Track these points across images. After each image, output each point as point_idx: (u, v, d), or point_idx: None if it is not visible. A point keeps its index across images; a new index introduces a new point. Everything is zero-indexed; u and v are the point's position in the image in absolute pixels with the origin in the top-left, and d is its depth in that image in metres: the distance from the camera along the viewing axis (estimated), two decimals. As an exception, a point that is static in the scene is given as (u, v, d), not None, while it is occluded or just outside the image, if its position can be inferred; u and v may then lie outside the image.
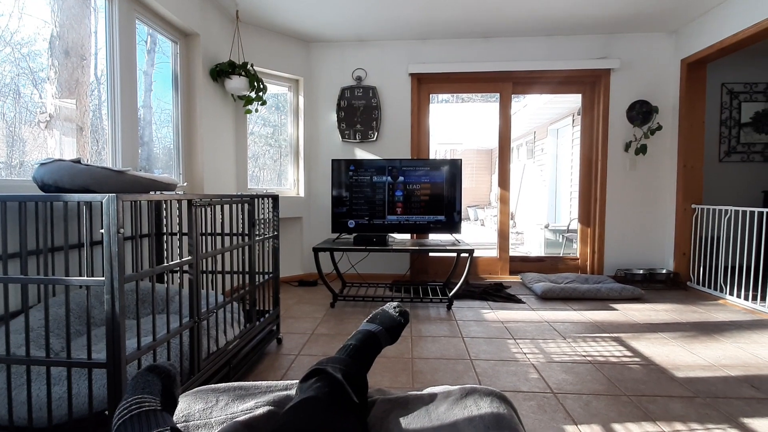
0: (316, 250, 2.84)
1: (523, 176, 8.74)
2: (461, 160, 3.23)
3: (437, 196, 3.10)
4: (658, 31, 3.54)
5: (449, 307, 2.86)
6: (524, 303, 2.99)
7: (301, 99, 3.71)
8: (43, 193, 1.22)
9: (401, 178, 3.14)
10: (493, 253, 3.92)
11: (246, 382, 0.78)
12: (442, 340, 2.26)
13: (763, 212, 2.80)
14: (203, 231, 1.50)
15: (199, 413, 0.67)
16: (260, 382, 0.79)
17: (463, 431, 0.65)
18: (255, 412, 0.64)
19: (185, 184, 2.73)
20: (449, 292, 2.90)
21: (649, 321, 2.58)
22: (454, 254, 3.17)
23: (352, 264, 3.57)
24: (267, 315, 2.01)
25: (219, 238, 1.93)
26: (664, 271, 3.43)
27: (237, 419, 0.62)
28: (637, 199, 3.63)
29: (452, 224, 3.09)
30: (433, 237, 3.78)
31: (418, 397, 0.75)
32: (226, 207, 1.68)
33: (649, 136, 3.53)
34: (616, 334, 2.34)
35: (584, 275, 3.51)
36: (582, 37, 3.59)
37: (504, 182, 3.85)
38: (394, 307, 0.99)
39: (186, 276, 1.34)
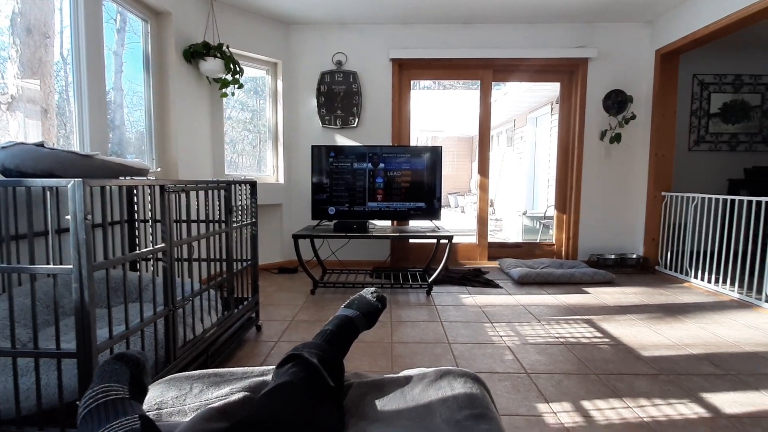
0: (296, 237, 2.82)
1: (503, 164, 8.85)
2: (441, 147, 3.24)
3: (418, 183, 3.11)
4: (635, 21, 3.59)
5: (429, 293, 2.90)
6: (502, 288, 3.07)
7: (280, 83, 3.62)
8: (4, 178, 1.16)
9: (382, 165, 3.13)
10: (473, 239, 3.98)
11: (221, 369, 0.77)
12: (421, 325, 2.29)
13: (727, 199, 2.93)
14: (177, 218, 1.47)
15: (172, 401, 0.67)
16: (236, 368, 0.79)
17: (437, 411, 0.67)
18: (230, 398, 0.64)
19: (159, 169, 2.65)
20: (429, 278, 2.94)
21: (618, 303, 2.69)
22: (434, 240, 3.20)
23: (332, 251, 3.56)
24: (246, 302, 2.00)
25: (194, 225, 1.88)
26: (634, 256, 3.57)
27: (211, 405, 0.62)
28: (612, 186, 3.73)
29: (432, 211, 3.12)
30: (414, 224, 3.80)
31: (394, 380, 0.77)
32: (202, 193, 1.64)
33: (623, 125, 3.62)
34: (587, 317, 2.43)
35: (559, 260, 3.61)
36: (562, 26, 3.62)
37: (483, 170, 3.89)
38: (372, 292, 1.00)
39: (160, 264, 1.31)
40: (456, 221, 8.03)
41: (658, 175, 3.56)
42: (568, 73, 3.80)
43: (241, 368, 0.79)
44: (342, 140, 3.70)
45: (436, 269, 2.93)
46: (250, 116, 3.73)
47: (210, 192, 1.65)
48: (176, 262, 1.38)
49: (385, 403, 0.69)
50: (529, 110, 7.33)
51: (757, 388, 1.63)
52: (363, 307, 0.95)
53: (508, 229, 6.49)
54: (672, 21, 3.35)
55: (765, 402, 1.53)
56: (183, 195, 1.45)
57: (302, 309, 2.56)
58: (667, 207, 3.49)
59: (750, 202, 2.75)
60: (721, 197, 2.95)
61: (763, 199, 2.64)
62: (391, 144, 3.69)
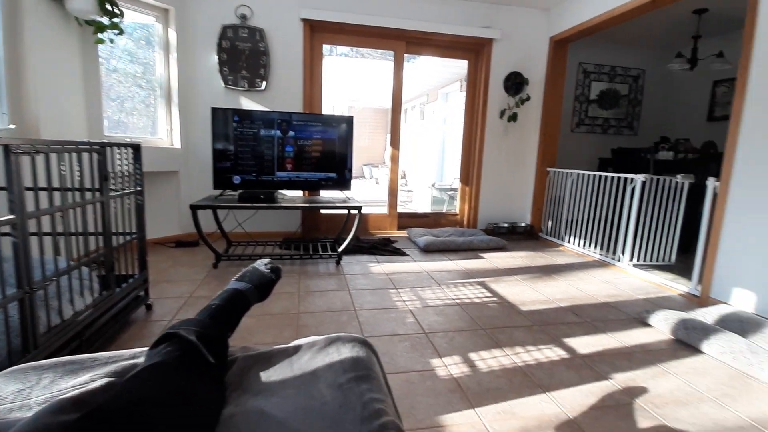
0: (194, 208, 2.60)
1: (416, 137, 9.12)
2: (353, 117, 3.21)
3: (329, 153, 3.06)
4: (534, 8, 3.86)
5: (338, 263, 2.93)
6: (408, 256, 3.23)
7: (173, 34, 3.19)
8: None
9: (292, 133, 3.00)
10: (385, 210, 4.09)
11: (81, 355, 0.69)
12: (329, 294, 2.32)
13: (596, 175, 3.41)
14: (35, 185, 1.24)
15: (13, 395, 0.57)
16: (101, 353, 0.71)
17: (323, 377, 0.68)
18: (89, 386, 0.58)
19: (12, 126, 2.19)
20: (339, 248, 2.96)
21: (507, 266, 3.02)
22: (345, 211, 3.21)
23: (239, 222, 3.37)
24: (131, 280, 1.80)
25: (66, 194, 1.61)
26: (523, 224, 4.01)
27: (64, 396, 0.55)
28: (508, 161, 4.09)
29: (343, 181, 3.10)
30: (325, 194, 3.76)
31: (283, 350, 0.76)
32: (67, 157, 1.39)
33: (520, 105, 3.95)
34: (481, 279, 2.69)
35: (462, 229, 3.90)
36: (470, 4, 3.74)
37: (395, 142, 3.96)
38: (265, 264, 0.97)
39: (9, 239, 1.10)
40: (371, 192, 8.15)
41: (545, 153, 3.99)
42: (475, 51, 3.98)
43: (108, 352, 0.72)
44: (248, 104, 3.44)
45: (347, 239, 2.96)
46: (141, 70, 3.24)
47: (79, 156, 1.42)
48: (41, 237, 1.18)
49: (270, 374, 0.69)
50: (440, 85, 7.58)
51: (605, 331, 1.98)
52: (255, 279, 0.92)
53: (418, 200, 6.79)
54: (564, 11, 3.67)
55: (610, 342, 1.87)
56: (40, 157, 1.22)
57: (202, 284, 2.41)
58: (550, 181, 3.95)
59: (614, 178, 3.23)
60: (593, 173, 3.43)
61: (623, 175, 3.12)
62: (302, 111, 3.54)
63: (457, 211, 4.29)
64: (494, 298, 2.36)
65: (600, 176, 3.36)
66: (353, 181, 3.18)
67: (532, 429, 1.27)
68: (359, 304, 2.20)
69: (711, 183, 2.45)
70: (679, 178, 2.96)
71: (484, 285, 2.59)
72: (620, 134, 5.23)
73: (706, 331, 1.84)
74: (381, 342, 1.77)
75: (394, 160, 3.96)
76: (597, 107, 5.16)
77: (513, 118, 3.93)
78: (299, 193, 3.54)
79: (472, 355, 1.70)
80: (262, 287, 0.92)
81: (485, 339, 1.85)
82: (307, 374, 0.68)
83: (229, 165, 2.90)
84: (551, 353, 1.74)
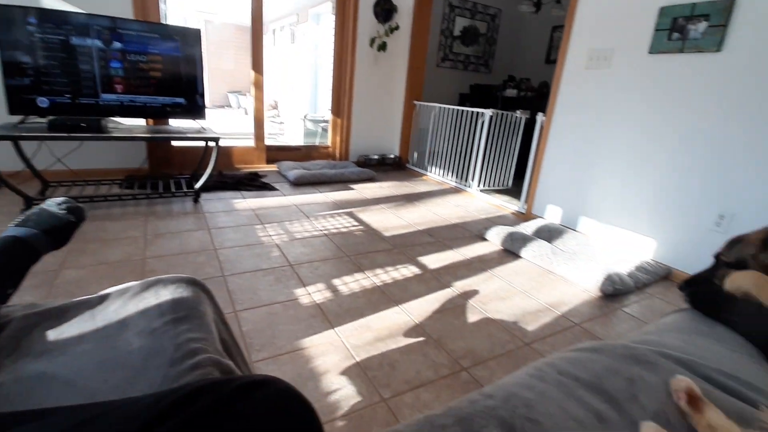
0: (-21, 139, 1.98)
1: (286, 63, 8.40)
2: (200, 30, 2.73)
3: (174, 74, 2.59)
4: (401, -76, 3.66)
5: (196, 200, 2.66)
6: (278, 190, 3.10)
7: None
8: None
9: (119, 45, 2.42)
10: (252, 142, 3.77)
11: None
12: (184, 235, 2.11)
13: (455, 109, 3.67)
14: None
15: None
16: None
17: (133, 325, 0.61)
18: None
19: None
20: (196, 185, 2.66)
21: (375, 196, 3.15)
22: (203, 143, 2.85)
23: (57, 158, 2.72)
24: None
25: None
26: (392, 156, 4.18)
27: None
28: (378, 93, 4.09)
29: (195, 109, 2.70)
30: (177, 124, 3.26)
31: (83, 302, 0.65)
32: None
33: (389, 34, 3.88)
34: (349, 209, 2.77)
35: (334, 162, 3.88)
36: None
37: (258, 65, 3.56)
38: (59, 204, 0.78)
39: None
40: (237, 123, 7.40)
41: (413, 86, 4.10)
42: (341, -34, 3.66)
43: None
44: (55, 3, 2.62)
45: (204, 175, 2.66)
46: None
47: None
48: None
49: (63, 331, 0.58)
50: (311, 4, 6.94)
51: (452, 247, 2.27)
52: (44, 223, 0.74)
53: (291, 133, 6.45)
54: (429, -67, 3.57)
55: (455, 257, 2.15)
56: None
57: (8, 235, 1.93)
58: (417, 114, 4.12)
59: (469, 112, 3.52)
60: (452, 107, 3.68)
61: (475, 109, 3.42)
62: (132, 18, 2.86)
63: (330, 143, 4.21)
64: (360, 227, 2.46)
65: (458, 110, 3.62)
66: (217, 111, 2.83)
67: (383, 337, 1.42)
68: (219, 242, 2.06)
69: (539, 118, 2.86)
70: (518, 113, 3.38)
71: (351, 215, 2.67)
72: (478, 71, 5.64)
73: (525, 240, 2.25)
74: (242, 279, 1.71)
75: (258, 86, 3.59)
76: (460, 43, 5.40)
77: (382, 47, 3.87)
78: (142, 122, 2.99)
79: (336, 281, 1.78)
80: (55, 232, 0.75)
81: (349, 265, 1.94)
82: (113, 324, 0.60)
83: (28, 83, 2.24)
84: (406, 271, 1.93)
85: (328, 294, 1.67)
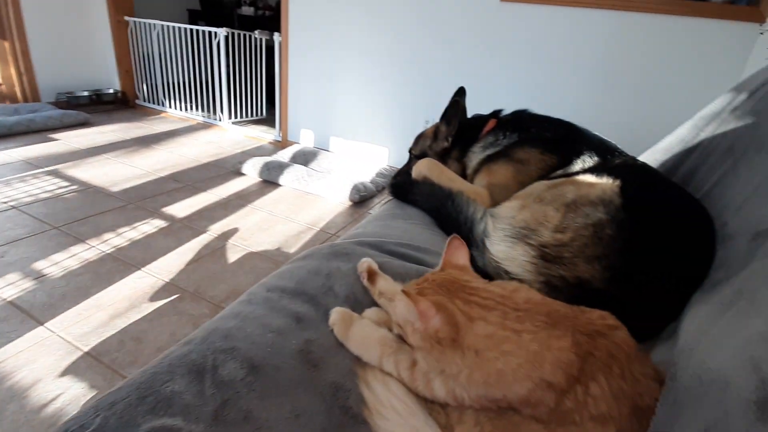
0: None
1: None
2: None
3: None
4: None
5: None
6: None
7: None
8: None
9: None
10: None
11: None
12: None
13: (182, 28, 3.08)
14: None
15: None
16: None
17: None
18: None
19: None
20: None
21: (93, 145, 2.47)
22: None
23: None
24: None
25: None
26: (111, 91, 3.30)
27: None
28: (59, 7, 2.98)
29: None
30: None
31: None
32: None
33: None
34: (53, 167, 2.07)
35: (14, 105, 2.76)
36: None
37: None
38: None
39: None
40: None
41: (116, -5, 3.17)
42: None
43: None
44: None
45: None
46: None
47: None
48: None
49: None
50: None
51: (205, 189, 2.05)
52: None
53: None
54: None
55: (208, 199, 1.95)
56: None
57: None
58: (133, 35, 3.28)
59: (200, 31, 3.03)
60: (179, 25, 3.07)
61: (207, 28, 2.97)
62: None
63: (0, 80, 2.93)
64: (73, 187, 1.89)
65: (186, 29, 3.07)
66: None
67: (122, 311, 1.18)
68: None
69: (276, 37, 2.73)
70: (256, 33, 3.14)
71: (57, 174, 2.01)
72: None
73: (282, 167, 2.25)
74: None
75: None
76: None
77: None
78: None
79: (40, 264, 1.34)
80: None
81: (59, 239, 1.48)
82: None
83: None
84: (148, 227, 1.64)
85: (28, 284, 1.24)
